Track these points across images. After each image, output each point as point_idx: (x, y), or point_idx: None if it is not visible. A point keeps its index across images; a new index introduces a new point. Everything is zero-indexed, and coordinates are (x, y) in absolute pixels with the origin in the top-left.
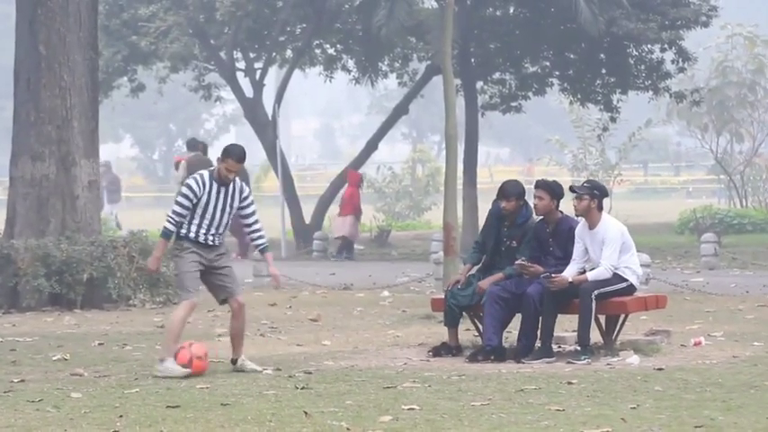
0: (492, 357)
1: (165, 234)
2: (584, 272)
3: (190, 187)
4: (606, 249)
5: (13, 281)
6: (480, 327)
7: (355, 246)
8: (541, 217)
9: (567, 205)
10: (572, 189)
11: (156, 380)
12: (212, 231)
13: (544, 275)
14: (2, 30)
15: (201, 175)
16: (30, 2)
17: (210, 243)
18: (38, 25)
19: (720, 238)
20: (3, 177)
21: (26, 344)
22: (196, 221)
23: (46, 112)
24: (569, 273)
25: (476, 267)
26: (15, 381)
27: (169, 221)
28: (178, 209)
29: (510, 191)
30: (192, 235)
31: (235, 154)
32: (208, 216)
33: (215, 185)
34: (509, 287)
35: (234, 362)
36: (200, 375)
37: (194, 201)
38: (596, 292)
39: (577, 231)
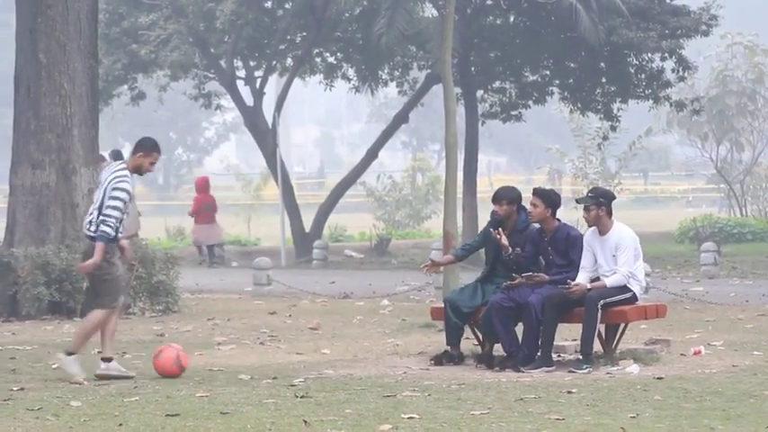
0: (520, 363)
1: (107, 238)
2: (596, 279)
3: (126, 190)
4: (622, 256)
5: (12, 289)
6: (480, 336)
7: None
8: (538, 225)
9: (567, 214)
10: (578, 201)
11: (155, 388)
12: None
13: (561, 285)
14: (2, 38)
15: (127, 174)
16: (30, 10)
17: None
18: (38, 33)
19: (720, 247)
20: (3, 185)
21: (26, 352)
22: (121, 220)
23: (46, 121)
24: (583, 281)
25: (468, 275)
26: (15, 389)
27: (110, 226)
28: (118, 213)
29: (501, 194)
30: (119, 235)
31: (159, 147)
32: (128, 212)
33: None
34: (512, 296)
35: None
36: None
37: (128, 200)
38: (602, 301)
39: (586, 239)
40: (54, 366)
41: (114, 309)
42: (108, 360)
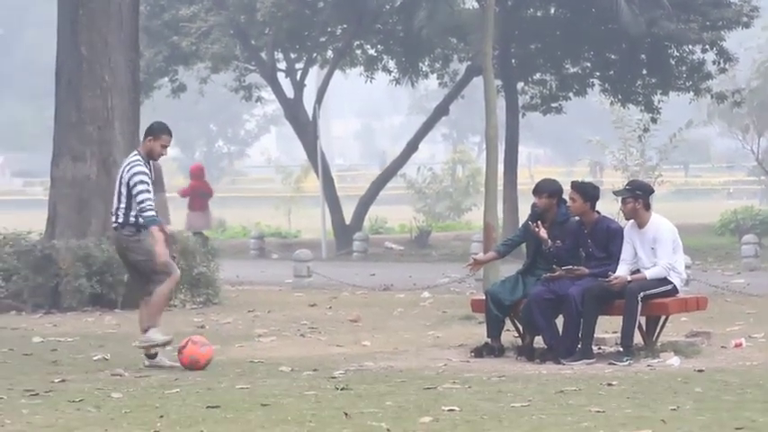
0: (561, 356)
1: (154, 220)
2: (636, 271)
3: (142, 172)
4: (660, 249)
5: (54, 281)
6: (520, 328)
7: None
8: (578, 218)
9: (608, 206)
10: (615, 194)
11: (196, 380)
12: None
13: (602, 278)
14: (44, 30)
15: (139, 159)
16: (71, 3)
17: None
18: (79, 26)
19: (761, 239)
20: (44, 178)
21: (67, 344)
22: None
23: (87, 113)
24: (623, 273)
25: (509, 267)
26: (56, 380)
27: (149, 209)
28: (148, 194)
29: (541, 187)
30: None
31: (168, 130)
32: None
33: (147, 165)
34: (552, 289)
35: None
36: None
37: (149, 180)
38: (642, 294)
39: (626, 232)
40: (134, 344)
41: (175, 274)
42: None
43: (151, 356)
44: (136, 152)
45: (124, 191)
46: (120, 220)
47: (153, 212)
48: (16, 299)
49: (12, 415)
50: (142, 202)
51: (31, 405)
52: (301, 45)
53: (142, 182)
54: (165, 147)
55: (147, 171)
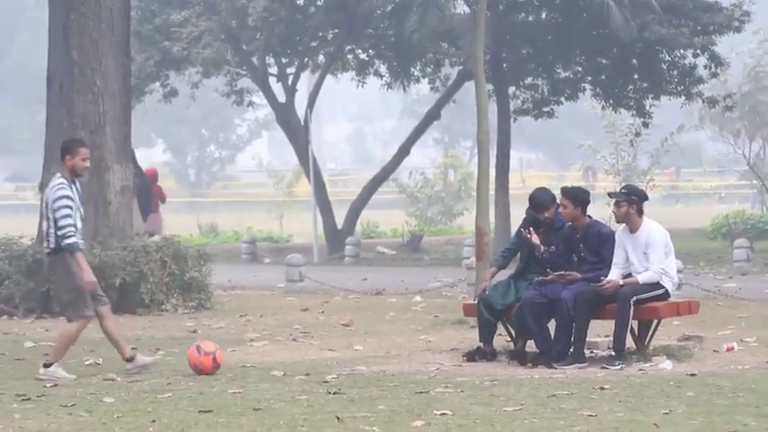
0: (553, 360)
1: (76, 247)
2: (628, 275)
3: (65, 196)
4: (653, 253)
5: (45, 286)
6: (512, 332)
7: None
8: (570, 222)
9: (600, 210)
10: (610, 195)
11: (188, 385)
12: (81, 234)
13: (594, 282)
14: (35, 35)
15: (63, 182)
16: (63, 7)
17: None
18: (71, 31)
19: (753, 243)
20: (36, 182)
21: None
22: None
23: (79, 118)
24: (616, 277)
25: (501, 271)
26: (48, 385)
27: (71, 235)
28: (70, 220)
29: (547, 200)
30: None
31: (81, 142)
32: (78, 219)
33: (72, 186)
34: (544, 293)
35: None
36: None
37: (72, 204)
38: (634, 298)
39: (618, 236)
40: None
41: (88, 318)
42: (130, 360)
43: (129, 360)
44: (59, 175)
45: (51, 216)
46: (53, 246)
47: (74, 239)
48: (8, 303)
49: (4, 420)
50: (63, 227)
51: (23, 410)
52: (293, 50)
53: (66, 206)
54: (85, 159)
55: (71, 194)
